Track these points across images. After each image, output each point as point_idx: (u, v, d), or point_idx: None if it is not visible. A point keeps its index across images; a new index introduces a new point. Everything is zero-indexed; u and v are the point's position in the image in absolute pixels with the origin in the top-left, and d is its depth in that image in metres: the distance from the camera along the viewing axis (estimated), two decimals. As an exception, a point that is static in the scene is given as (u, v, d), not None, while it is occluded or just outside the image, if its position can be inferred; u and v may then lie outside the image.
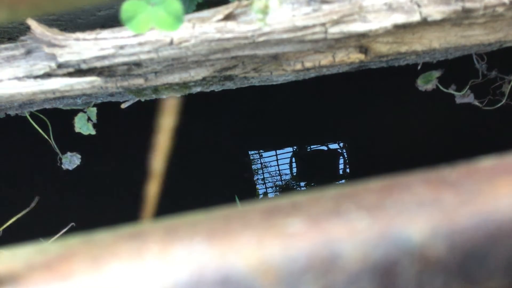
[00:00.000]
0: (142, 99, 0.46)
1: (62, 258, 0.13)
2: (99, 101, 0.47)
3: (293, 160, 1.20)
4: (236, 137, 1.12)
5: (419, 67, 0.54)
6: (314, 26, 0.33)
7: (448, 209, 0.13)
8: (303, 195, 0.14)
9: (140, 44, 0.33)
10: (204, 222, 0.14)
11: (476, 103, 0.66)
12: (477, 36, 0.38)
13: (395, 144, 1.06)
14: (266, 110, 1.10)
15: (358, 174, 1.17)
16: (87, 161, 0.63)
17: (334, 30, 0.33)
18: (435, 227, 0.13)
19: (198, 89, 0.44)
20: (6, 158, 0.94)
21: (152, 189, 0.16)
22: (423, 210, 0.13)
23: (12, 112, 0.46)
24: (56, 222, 0.60)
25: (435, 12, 0.33)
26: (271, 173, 1.21)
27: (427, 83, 0.61)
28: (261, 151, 1.20)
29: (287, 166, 1.21)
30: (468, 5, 0.34)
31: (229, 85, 0.44)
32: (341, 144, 1.18)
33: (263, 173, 1.20)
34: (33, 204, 0.53)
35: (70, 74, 0.35)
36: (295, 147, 1.20)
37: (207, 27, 0.33)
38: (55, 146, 0.58)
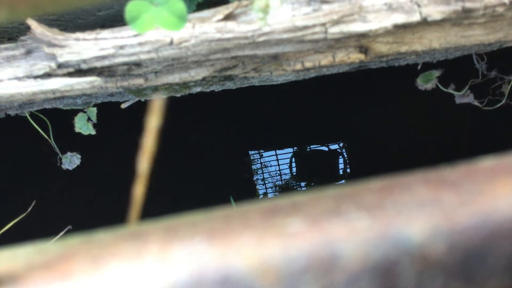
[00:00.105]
0: (142, 99, 0.46)
1: (62, 258, 0.13)
2: (99, 101, 0.47)
3: (293, 160, 1.20)
4: (236, 137, 1.12)
5: (419, 67, 0.54)
6: (314, 26, 0.33)
7: (448, 209, 0.13)
8: (303, 195, 0.14)
9: (140, 44, 0.33)
10: (204, 222, 0.14)
11: (476, 103, 0.66)
12: (477, 36, 0.38)
13: (395, 144, 1.06)
14: (266, 110, 1.10)
15: (358, 174, 1.17)
16: (87, 161, 0.63)
17: (334, 30, 0.33)
18: (435, 227, 0.13)
19: (198, 89, 0.44)
20: (6, 158, 0.94)
21: (139, 190, 0.16)
22: (423, 210, 0.13)
23: (12, 112, 0.46)
24: (56, 222, 0.60)
25: (435, 12, 0.33)
26: (271, 173, 1.21)
27: (427, 82, 0.61)
28: (261, 151, 1.20)
29: (287, 166, 1.21)
30: (468, 5, 0.34)
31: (229, 85, 0.44)
32: (341, 144, 1.18)
33: (263, 173, 1.20)
34: (30, 208, 0.53)
35: (70, 74, 0.35)
36: (295, 147, 1.20)
37: (207, 27, 0.33)
38: (55, 146, 0.58)
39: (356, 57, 0.38)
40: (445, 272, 0.13)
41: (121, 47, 0.33)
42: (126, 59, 0.34)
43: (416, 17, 0.33)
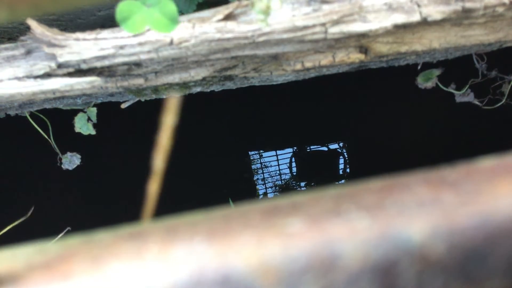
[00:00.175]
0: (142, 99, 0.46)
1: (62, 258, 0.13)
2: (99, 101, 0.47)
3: (293, 160, 1.20)
4: (236, 137, 1.12)
5: (419, 67, 0.54)
6: (314, 26, 0.33)
7: (448, 209, 0.13)
8: (303, 195, 0.14)
9: (140, 44, 0.33)
10: (204, 222, 0.14)
11: (476, 102, 0.66)
12: (477, 36, 0.38)
13: (395, 144, 1.06)
14: (266, 110, 1.10)
15: (358, 174, 1.17)
16: (87, 161, 0.63)
17: (334, 30, 0.33)
18: (435, 227, 0.13)
19: (198, 89, 0.44)
20: (6, 158, 0.94)
21: (153, 187, 0.16)
22: (423, 210, 0.13)
23: (12, 112, 0.46)
24: (56, 222, 0.60)
25: (435, 12, 0.33)
26: (271, 173, 1.21)
27: (427, 81, 0.61)
28: (261, 151, 1.20)
29: (287, 166, 1.20)
30: (468, 5, 0.34)
31: (229, 85, 0.44)
32: (341, 144, 1.18)
33: (263, 173, 1.20)
34: (30, 212, 0.53)
35: (70, 74, 0.35)
36: (295, 147, 1.20)
37: (207, 27, 0.33)
38: (55, 146, 0.58)
39: (356, 57, 0.38)
40: (445, 272, 0.13)
41: (121, 47, 0.33)
42: (126, 59, 0.34)
43: (416, 17, 0.33)
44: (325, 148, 1.20)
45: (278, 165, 1.21)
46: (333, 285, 0.12)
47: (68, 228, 0.54)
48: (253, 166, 1.19)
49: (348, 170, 1.19)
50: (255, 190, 1.20)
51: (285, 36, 0.33)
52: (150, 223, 0.14)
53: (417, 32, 0.37)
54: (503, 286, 0.13)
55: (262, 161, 1.20)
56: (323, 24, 0.33)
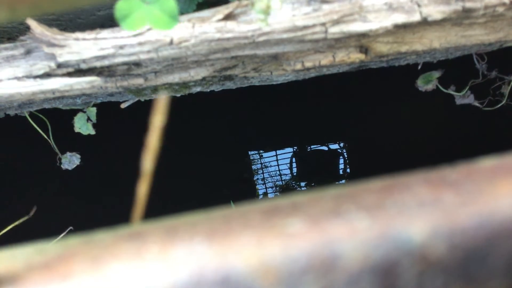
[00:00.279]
0: (142, 99, 0.46)
1: (61, 259, 0.13)
2: (98, 101, 0.47)
3: (293, 160, 1.20)
4: (236, 137, 1.12)
5: (419, 67, 0.54)
6: (314, 26, 0.33)
7: (449, 209, 0.13)
8: (303, 195, 0.14)
9: (140, 44, 0.33)
10: (204, 222, 0.14)
11: (476, 103, 0.66)
12: (478, 36, 0.38)
13: (395, 144, 1.06)
14: (266, 110, 1.10)
15: (358, 174, 1.17)
16: (86, 161, 0.63)
17: (334, 30, 0.33)
18: (436, 227, 0.13)
19: (198, 89, 0.44)
20: (6, 158, 0.94)
21: (142, 189, 0.16)
22: (423, 211, 0.13)
23: (11, 112, 0.46)
24: (55, 222, 0.60)
25: (435, 12, 0.33)
26: (271, 173, 1.21)
27: (427, 84, 0.61)
28: (261, 151, 1.20)
29: (287, 166, 1.20)
30: (469, 5, 0.34)
31: (229, 85, 0.44)
32: (341, 144, 1.18)
33: (263, 173, 1.20)
34: (31, 213, 0.53)
35: (69, 74, 0.35)
36: (295, 148, 1.20)
37: (207, 27, 0.33)
38: (55, 146, 0.58)
39: (356, 57, 0.38)
40: (446, 272, 0.13)
41: (121, 47, 0.33)
42: (125, 59, 0.34)
43: (416, 17, 0.33)
44: (325, 148, 1.20)
45: (278, 165, 1.21)
46: (333, 285, 0.12)
47: (71, 227, 0.53)
48: (253, 166, 1.19)
49: (348, 170, 1.19)
50: (255, 190, 1.20)
51: (285, 36, 0.33)
52: (150, 224, 0.14)
53: (418, 32, 0.37)
54: (503, 286, 0.13)
55: (262, 161, 1.20)
56: (323, 24, 0.33)
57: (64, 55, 0.33)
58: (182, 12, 0.37)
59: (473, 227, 0.13)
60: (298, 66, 0.39)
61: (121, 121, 0.79)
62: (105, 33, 0.33)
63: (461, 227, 0.13)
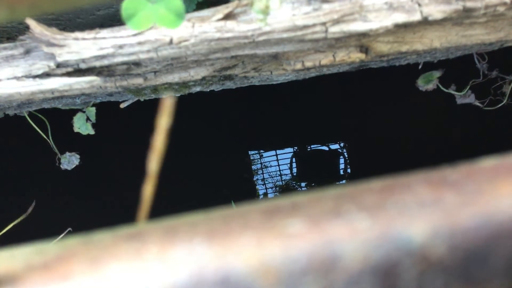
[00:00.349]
0: (141, 99, 0.46)
1: (60, 259, 0.13)
2: (98, 101, 0.47)
3: (293, 160, 1.20)
4: (236, 137, 1.12)
5: (420, 67, 0.54)
6: (314, 25, 0.33)
7: (449, 209, 0.13)
8: (303, 195, 0.14)
9: (140, 43, 0.33)
10: (204, 222, 0.14)
11: (477, 103, 0.66)
12: (478, 36, 0.38)
13: (396, 144, 1.06)
14: (266, 110, 1.10)
15: (358, 174, 1.17)
16: (86, 161, 0.63)
17: (335, 30, 0.33)
18: (436, 228, 0.13)
19: (198, 88, 0.44)
20: (5, 158, 0.94)
21: (148, 189, 0.16)
22: (424, 211, 0.13)
23: (11, 112, 0.46)
24: (55, 222, 0.60)
25: (436, 11, 0.33)
26: (271, 173, 1.21)
27: (427, 83, 0.61)
28: (261, 151, 1.20)
29: (287, 167, 1.21)
30: (469, 4, 0.33)
31: (229, 85, 0.44)
32: (342, 144, 1.18)
33: (263, 173, 1.20)
34: (30, 209, 0.52)
35: (69, 74, 0.35)
36: (295, 147, 1.20)
37: (207, 27, 0.33)
38: (54, 146, 0.58)
39: (356, 56, 0.38)
40: (446, 272, 0.13)
41: (120, 47, 0.33)
42: (125, 59, 0.34)
43: (417, 17, 0.33)
44: (325, 148, 1.20)
45: (278, 165, 1.21)
46: (333, 285, 0.12)
47: (69, 229, 0.53)
48: (253, 166, 1.19)
49: (348, 170, 1.19)
50: (255, 191, 1.20)
51: (285, 35, 0.33)
52: (150, 224, 0.14)
53: (418, 31, 0.37)
54: (504, 286, 0.13)
55: (262, 161, 1.20)
56: (324, 24, 0.33)
57: (63, 55, 0.33)
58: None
59: (473, 227, 0.13)
60: (298, 65, 0.39)
61: (120, 121, 0.79)
62: (105, 32, 0.33)
63: (462, 227, 0.13)
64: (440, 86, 0.62)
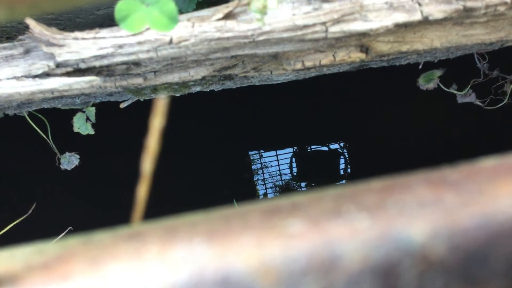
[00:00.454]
0: (141, 99, 0.46)
1: (60, 259, 0.13)
2: (98, 101, 0.47)
3: (294, 160, 1.20)
4: (236, 137, 1.12)
5: (420, 67, 0.54)
6: (314, 25, 0.33)
7: (449, 209, 0.13)
8: (303, 195, 0.14)
9: (139, 43, 0.33)
10: (204, 222, 0.14)
11: (478, 102, 0.66)
12: (479, 35, 0.38)
13: (396, 144, 1.06)
14: (266, 110, 1.10)
15: (358, 174, 1.17)
16: (85, 161, 0.63)
17: (335, 29, 0.33)
18: (436, 228, 0.13)
19: (198, 88, 0.44)
20: (4, 158, 0.94)
21: (142, 190, 0.16)
22: (424, 211, 0.13)
23: (10, 112, 0.46)
24: (55, 222, 0.60)
25: (436, 11, 0.33)
26: (271, 173, 1.21)
27: (428, 82, 0.61)
28: (261, 151, 1.20)
29: (287, 167, 1.21)
30: (470, 4, 0.33)
31: (229, 85, 0.44)
32: (341, 144, 1.18)
33: (263, 173, 1.20)
34: (30, 211, 0.52)
35: (68, 74, 0.35)
36: (295, 147, 1.20)
37: (207, 26, 0.33)
38: (54, 146, 0.58)
39: (357, 56, 0.38)
40: (446, 272, 0.13)
41: (120, 46, 0.33)
42: (125, 59, 0.34)
43: (417, 16, 0.33)
44: (325, 148, 1.20)
45: (278, 165, 1.21)
46: (333, 285, 0.12)
47: (70, 228, 0.53)
48: (253, 167, 1.19)
49: (348, 170, 1.19)
50: (255, 191, 1.20)
51: (285, 35, 0.33)
52: (149, 224, 0.14)
53: (418, 31, 0.37)
54: (504, 286, 0.13)
55: (262, 161, 1.20)
56: (324, 23, 0.33)
57: (63, 55, 0.33)
58: (181, 11, 0.37)
59: (473, 227, 0.13)
60: (298, 65, 0.39)
61: (120, 121, 0.79)
62: (104, 32, 0.33)
63: (462, 227, 0.13)
64: (441, 85, 0.62)
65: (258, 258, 0.12)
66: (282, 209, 0.14)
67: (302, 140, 1.17)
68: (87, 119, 0.52)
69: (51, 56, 0.34)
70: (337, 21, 0.33)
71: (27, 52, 0.35)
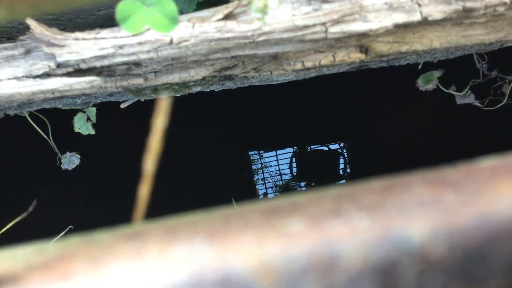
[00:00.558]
0: (142, 99, 0.46)
1: (61, 259, 0.13)
2: (98, 101, 0.47)
3: (293, 160, 1.20)
4: (236, 137, 1.12)
5: (419, 67, 0.54)
6: (314, 25, 0.33)
7: (449, 209, 0.13)
8: (303, 195, 0.14)
9: (140, 43, 0.33)
10: (204, 222, 0.14)
11: (477, 103, 0.66)
12: (478, 36, 0.38)
13: (396, 144, 1.06)
14: (266, 110, 1.10)
15: (358, 174, 1.17)
16: (86, 161, 0.63)
17: (335, 30, 0.33)
18: (436, 228, 0.13)
19: (198, 88, 0.44)
20: (5, 158, 0.94)
21: (144, 190, 0.16)
22: (423, 211, 0.13)
23: (11, 112, 0.46)
24: (56, 222, 0.60)
25: (435, 11, 0.33)
26: (271, 173, 1.21)
27: (427, 83, 0.61)
28: (261, 151, 1.20)
29: (287, 166, 1.21)
30: (469, 4, 0.34)
31: (229, 85, 0.44)
32: (341, 144, 1.18)
33: (263, 173, 1.20)
34: (31, 208, 0.52)
35: (69, 74, 0.35)
36: (295, 147, 1.20)
37: (207, 27, 0.33)
38: (54, 146, 0.58)
39: (356, 56, 0.38)
40: (446, 272, 0.13)
41: (121, 47, 0.33)
42: (125, 59, 0.34)
43: (416, 17, 0.33)
44: (325, 148, 1.20)
45: (278, 165, 1.21)
46: (333, 285, 0.12)
47: (70, 226, 0.53)
48: (253, 166, 1.20)
49: (348, 170, 1.19)
50: (255, 190, 1.20)
51: (285, 35, 0.33)
52: (150, 223, 0.14)
53: (418, 31, 0.37)
54: (503, 286, 0.13)
55: (262, 161, 1.20)
56: (324, 24, 0.33)
57: (63, 55, 0.33)
58: (182, 12, 0.37)
59: (473, 227, 0.13)
60: (298, 66, 0.39)
61: (121, 121, 0.79)
62: (105, 33, 0.33)
63: (461, 227, 0.13)
64: (440, 86, 0.62)
65: (258, 257, 0.12)
66: (282, 208, 0.14)
67: (302, 140, 1.17)
68: (88, 119, 0.52)
69: (52, 57, 0.34)
70: (336, 22, 0.33)
71: (28, 52, 0.35)
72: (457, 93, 0.65)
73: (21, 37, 0.36)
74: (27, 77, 0.35)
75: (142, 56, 0.34)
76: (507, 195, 0.13)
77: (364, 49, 0.38)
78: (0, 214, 0.62)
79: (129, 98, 0.46)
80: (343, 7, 0.33)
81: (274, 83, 0.45)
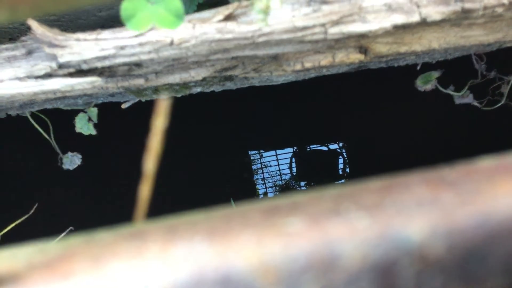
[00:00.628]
0: (143, 99, 0.46)
1: (62, 258, 0.13)
2: (99, 101, 0.47)
3: (293, 160, 1.20)
4: (236, 137, 1.12)
5: (418, 67, 0.54)
6: (314, 26, 0.33)
7: (448, 209, 0.13)
8: (303, 194, 0.14)
9: (141, 44, 0.33)
10: (204, 221, 0.14)
11: (475, 103, 0.66)
12: (477, 37, 0.38)
13: (395, 144, 1.06)
14: (266, 110, 1.10)
15: (357, 174, 1.17)
16: (87, 161, 0.63)
17: (334, 31, 0.33)
18: (435, 227, 0.13)
19: (199, 89, 0.44)
20: (7, 158, 0.94)
21: (145, 190, 0.16)
22: (422, 210, 0.13)
23: (13, 112, 0.46)
24: (57, 222, 0.60)
25: (434, 12, 0.34)
26: (271, 173, 1.21)
27: (426, 84, 0.61)
28: (261, 151, 1.20)
29: (287, 166, 1.21)
30: (468, 5, 0.34)
31: (229, 85, 0.44)
32: (341, 144, 1.18)
33: (263, 173, 1.20)
34: (32, 211, 0.53)
35: (71, 75, 0.36)
36: (295, 147, 1.20)
37: (208, 28, 0.33)
38: (56, 146, 0.58)
39: (355, 57, 0.38)
40: (444, 272, 0.13)
41: (122, 48, 0.33)
42: (126, 60, 0.34)
43: (415, 18, 0.33)
44: (325, 148, 1.20)
45: (278, 165, 1.21)
46: (332, 284, 0.12)
47: (71, 227, 0.54)
48: (253, 166, 1.19)
49: (347, 170, 1.19)
50: (255, 190, 1.20)
51: (285, 36, 0.33)
52: (150, 223, 0.14)
53: (417, 32, 0.37)
54: (502, 286, 0.13)
55: (262, 161, 1.20)
56: (323, 25, 0.33)
57: (65, 56, 0.34)
58: (182, 13, 0.37)
59: (472, 226, 0.13)
60: (298, 66, 0.39)
61: (122, 121, 0.79)
62: (106, 33, 0.33)
63: (460, 226, 0.13)
64: (439, 86, 0.62)
65: (258, 256, 0.12)
66: (282, 208, 0.14)
67: (302, 140, 1.17)
68: (89, 119, 0.52)
69: (53, 57, 0.34)
70: (336, 23, 0.33)
71: (29, 53, 0.35)
72: (456, 93, 0.65)
73: (22, 38, 0.36)
74: (29, 77, 0.35)
75: (143, 57, 0.34)
76: (506, 194, 0.13)
77: (363, 50, 0.38)
78: (0, 214, 0.62)
79: (130, 99, 0.46)
80: (342, 8, 0.33)
81: (274, 83, 0.45)
